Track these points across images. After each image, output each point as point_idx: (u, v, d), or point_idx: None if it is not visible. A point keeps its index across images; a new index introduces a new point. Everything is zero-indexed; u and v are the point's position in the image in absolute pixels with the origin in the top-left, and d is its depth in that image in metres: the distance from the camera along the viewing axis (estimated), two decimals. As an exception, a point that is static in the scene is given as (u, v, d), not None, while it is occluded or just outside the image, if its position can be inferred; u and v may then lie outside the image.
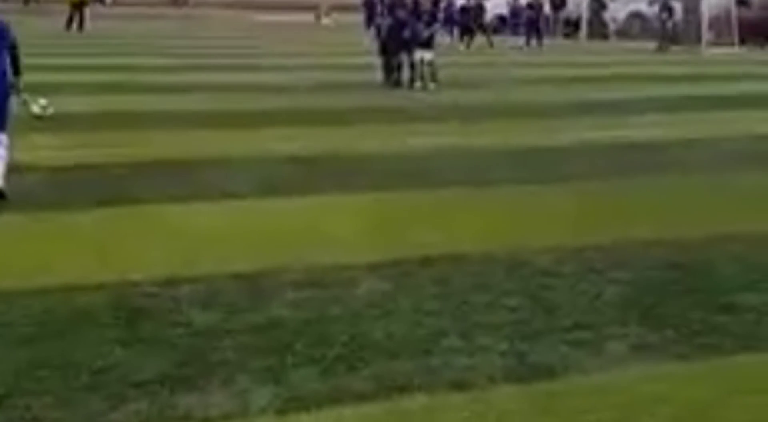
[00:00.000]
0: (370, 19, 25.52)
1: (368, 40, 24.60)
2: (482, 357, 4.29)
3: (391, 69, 16.54)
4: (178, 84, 16.27)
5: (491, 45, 27.97)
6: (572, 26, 31.74)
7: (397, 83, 16.43)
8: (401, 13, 16.72)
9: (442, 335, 4.56)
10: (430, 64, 16.33)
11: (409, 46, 16.33)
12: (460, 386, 3.97)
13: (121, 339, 4.44)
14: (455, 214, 7.20)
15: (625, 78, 19.11)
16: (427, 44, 16.39)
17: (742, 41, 30.77)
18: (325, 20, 40.22)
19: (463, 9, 28.72)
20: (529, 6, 29.94)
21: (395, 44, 16.39)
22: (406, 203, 7.55)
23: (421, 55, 16.25)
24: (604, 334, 4.60)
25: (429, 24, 16.72)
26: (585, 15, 32.04)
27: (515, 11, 31.88)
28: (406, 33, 16.28)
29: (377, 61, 16.94)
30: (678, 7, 30.10)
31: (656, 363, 4.27)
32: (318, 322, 4.70)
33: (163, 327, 4.61)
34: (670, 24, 29.25)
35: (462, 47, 27.04)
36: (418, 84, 16.23)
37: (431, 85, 16.18)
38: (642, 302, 5.11)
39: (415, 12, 16.76)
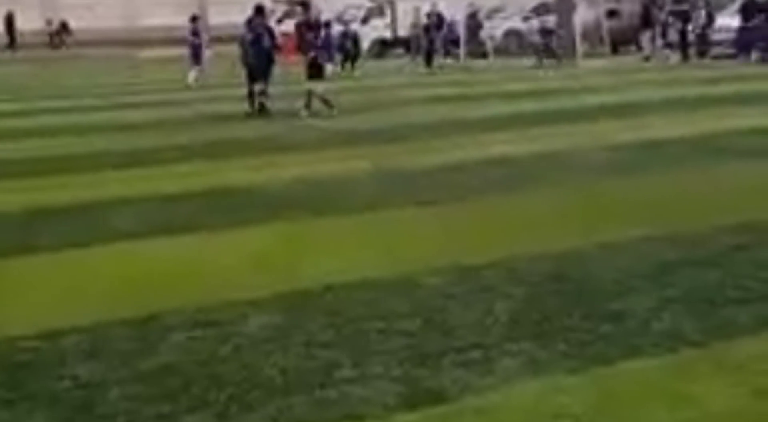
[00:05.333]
0: (195, 55, 24.67)
1: (192, 77, 24.26)
2: (376, 386, 4.27)
3: (252, 95, 16.63)
4: (62, 126, 15.93)
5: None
6: (452, 45, 32.24)
7: (262, 111, 16.51)
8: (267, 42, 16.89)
9: (335, 366, 4.53)
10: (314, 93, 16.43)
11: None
12: (355, 418, 3.95)
13: (4, 398, 4.27)
14: (346, 242, 7.19)
15: (503, 94, 19.54)
16: (319, 75, 16.52)
17: (615, 50, 31.86)
18: (207, 52, 39.95)
19: (344, 35, 29.02)
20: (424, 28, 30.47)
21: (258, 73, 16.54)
22: (296, 233, 7.50)
23: (314, 84, 16.35)
24: (496, 352, 4.64)
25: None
26: (462, 34, 32.61)
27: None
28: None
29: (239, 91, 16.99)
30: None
31: (548, 377, 4.32)
32: (209, 364, 4.62)
33: (49, 382, 4.46)
34: (552, 41, 30.06)
35: (343, 72, 27.33)
36: (304, 112, 16.27)
37: (304, 113, 16.20)
38: (531, 317, 5.18)
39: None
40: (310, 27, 18.30)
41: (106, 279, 6.33)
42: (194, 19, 25.17)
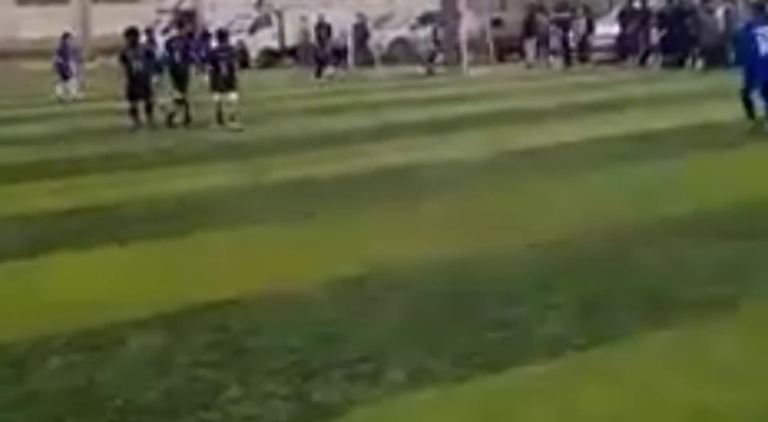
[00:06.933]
0: (63, 68, 24.17)
1: (61, 91, 23.81)
2: (264, 405, 4.18)
3: (135, 112, 16.35)
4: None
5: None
6: (339, 55, 32.28)
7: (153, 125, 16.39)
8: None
9: (222, 386, 4.42)
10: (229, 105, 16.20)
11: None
12: (241, 438, 3.86)
13: None
14: (227, 257, 7.06)
15: (396, 103, 19.67)
16: (231, 85, 16.30)
17: (500, 58, 32.41)
18: (89, 64, 39.14)
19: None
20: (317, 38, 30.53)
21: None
22: (178, 249, 7.33)
23: (226, 96, 16.15)
24: (384, 364, 4.60)
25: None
26: (350, 44, 32.70)
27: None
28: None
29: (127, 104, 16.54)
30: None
31: (436, 387, 4.31)
32: (87, 389, 4.45)
33: None
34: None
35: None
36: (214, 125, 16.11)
37: (234, 125, 15.92)
38: (418, 327, 5.17)
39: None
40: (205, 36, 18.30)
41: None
42: (66, 36, 24.84)
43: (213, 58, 16.61)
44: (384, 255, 6.76)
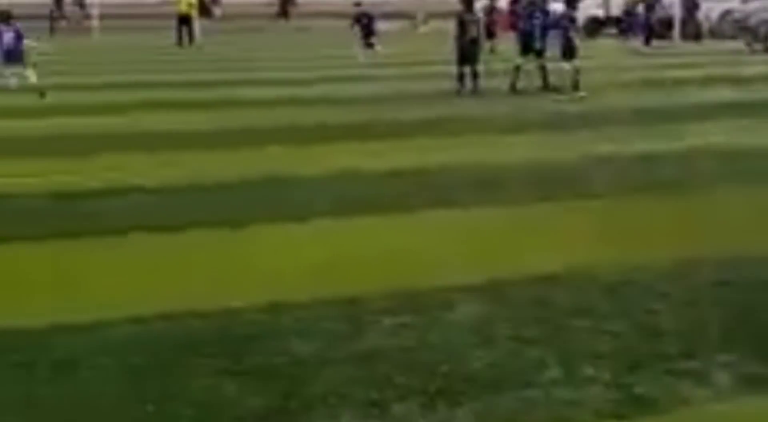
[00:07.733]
0: (366, 34, 25.12)
1: (363, 56, 24.49)
2: (586, 390, 4.21)
3: (462, 77, 16.67)
4: (255, 99, 16.43)
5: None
6: (665, 26, 31.06)
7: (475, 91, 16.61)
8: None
9: (543, 365, 4.49)
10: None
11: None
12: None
13: (229, 369, 4.47)
14: (554, 230, 7.10)
15: (722, 79, 18.71)
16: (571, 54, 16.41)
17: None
18: (422, 28, 40.37)
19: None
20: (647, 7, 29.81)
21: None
22: (512, 218, 7.46)
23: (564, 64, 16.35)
24: (710, 363, 4.47)
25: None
26: (678, 15, 31.34)
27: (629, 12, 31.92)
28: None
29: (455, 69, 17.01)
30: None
31: (766, 395, 4.14)
32: (417, 351, 4.68)
33: (268, 357, 4.63)
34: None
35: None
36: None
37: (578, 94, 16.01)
38: (747, 327, 4.96)
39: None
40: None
41: (317, 256, 6.46)
42: (357, 4, 26.05)
43: (555, 25, 16.63)
44: (713, 242, 6.55)
